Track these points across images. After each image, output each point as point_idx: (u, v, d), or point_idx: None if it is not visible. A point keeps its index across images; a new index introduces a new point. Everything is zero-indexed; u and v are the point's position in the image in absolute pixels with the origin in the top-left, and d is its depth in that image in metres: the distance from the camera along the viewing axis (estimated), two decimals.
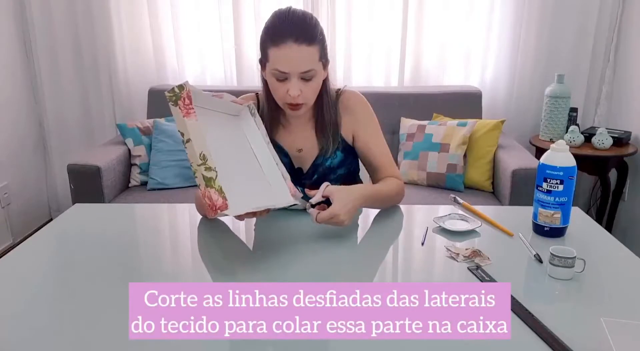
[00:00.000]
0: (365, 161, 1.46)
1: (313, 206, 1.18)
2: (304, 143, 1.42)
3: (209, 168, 1.02)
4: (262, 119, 1.33)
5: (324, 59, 1.28)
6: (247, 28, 2.92)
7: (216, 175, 1.02)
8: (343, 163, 1.45)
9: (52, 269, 1.11)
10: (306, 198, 1.21)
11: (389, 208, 1.39)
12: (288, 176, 1.28)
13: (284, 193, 1.23)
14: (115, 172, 2.46)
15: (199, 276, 1.09)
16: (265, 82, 1.33)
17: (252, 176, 1.21)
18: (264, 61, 1.28)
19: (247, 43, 2.94)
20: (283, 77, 1.23)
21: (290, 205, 1.23)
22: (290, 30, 1.20)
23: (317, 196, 1.19)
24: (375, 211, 1.37)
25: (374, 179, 1.44)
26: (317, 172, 1.44)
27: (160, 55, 2.99)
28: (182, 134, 1.03)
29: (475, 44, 2.91)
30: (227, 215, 1.03)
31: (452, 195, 1.48)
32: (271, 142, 1.31)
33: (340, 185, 1.25)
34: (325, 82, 1.34)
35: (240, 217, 1.13)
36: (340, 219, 1.15)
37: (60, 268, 1.12)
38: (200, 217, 1.34)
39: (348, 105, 1.42)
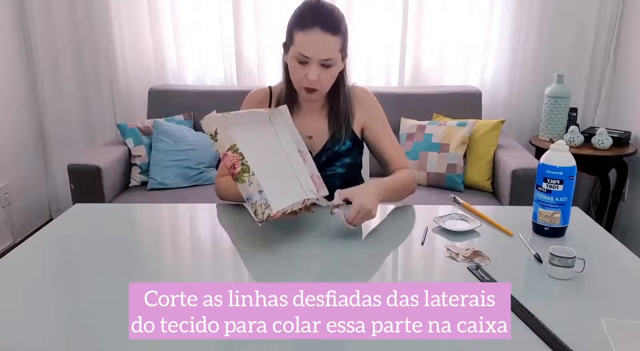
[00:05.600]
0: (377, 153, 1.50)
1: (337, 206, 1.22)
2: (315, 130, 1.46)
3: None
4: (279, 104, 1.41)
5: (343, 51, 1.35)
6: (247, 28, 2.92)
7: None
8: (350, 152, 1.49)
9: (52, 269, 1.11)
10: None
11: (388, 208, 1.38)
12: (318, 173, 1.35)
13: (311, 190, 1.28)
14: (116, 172, 2.46)
15: (199, 277, 1.09)
16: (285, 66, 1.39)
17: (287, 176, 1.26)
18: (288, 44, 1.34)
19: (247, 43, 2.94)
20: (304, 60, 1.30)
21: (311, 200, 1.27)
22: (319, 18, 1.28)
23: (335, 200, 1.22)
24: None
25: (387, 171, 1.48)
26: (324, 154, 1.47)
27: (160, 55, 2.99)
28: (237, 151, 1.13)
29: (475, 43, 2.91)
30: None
31: (452, 195, 1.48)
32: None
33: (343, 174, 1.32)
34: (342, 73, 1.40)
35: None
36: (367, 208, 1.19)
37: (61, 268, 1.12)
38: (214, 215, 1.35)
39: (360, 99, 1.48)
